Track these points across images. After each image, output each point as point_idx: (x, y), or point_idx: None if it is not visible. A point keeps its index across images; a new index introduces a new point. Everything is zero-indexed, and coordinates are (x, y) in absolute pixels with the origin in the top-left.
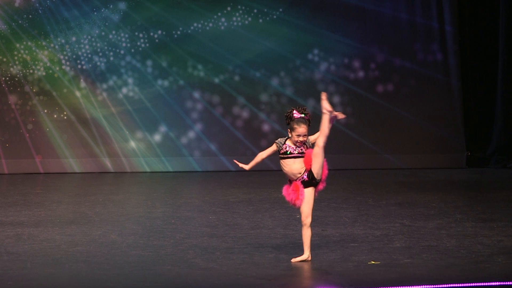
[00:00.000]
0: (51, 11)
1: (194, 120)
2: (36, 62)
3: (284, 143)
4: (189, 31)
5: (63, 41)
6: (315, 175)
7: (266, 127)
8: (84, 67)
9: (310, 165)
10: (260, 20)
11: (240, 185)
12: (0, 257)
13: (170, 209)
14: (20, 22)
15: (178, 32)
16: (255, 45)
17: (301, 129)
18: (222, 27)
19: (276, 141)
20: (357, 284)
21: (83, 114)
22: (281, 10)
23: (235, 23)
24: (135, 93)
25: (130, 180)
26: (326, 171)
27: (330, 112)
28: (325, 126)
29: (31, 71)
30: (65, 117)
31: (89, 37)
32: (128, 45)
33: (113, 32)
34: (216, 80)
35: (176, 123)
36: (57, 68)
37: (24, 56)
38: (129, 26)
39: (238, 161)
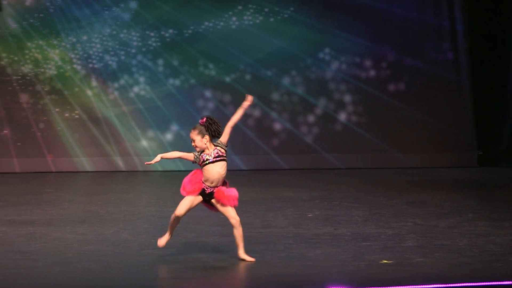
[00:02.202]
0: (62, 10)
1: None
2: (48, 61)
3: (201, 154)
4: (200, 30)
5: (74, 40)
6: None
7: (277, 126)
8: (95, 66)
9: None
10: (271, 19)
11: (252, 184)
12: (13, 256)
13: None
14: (31, 21)
15: (189, 31)
16: (266, 44)
17: (190, 133)
18: (233, 26)
19: (194, 153)
20: (369, 283)
21: (95, 113)
22: (292, 9)
23: (246, 22)
24: (146, 92)
25: (142, 179)
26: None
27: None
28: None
29: (42, 70)
30: (77, 116)
31: (100, 36)
32: (139, 44)
33: (124, 31)
34: (227, 79)
35: (188, 122)
36: (69, 67)
37: (36, 55)
38: (140, 25)
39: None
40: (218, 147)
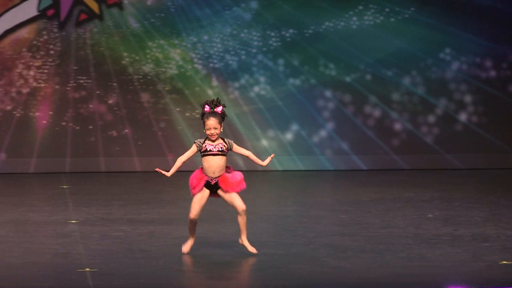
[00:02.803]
0: (183, 10)
1: (325, 119)
2: (168, 61)
3: (204, 142)
4: (320, 30)
5: (195, 39)
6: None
7: (397, 126)
8: (216, 65)
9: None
10: (392, 19)
11: (371, 184)
12: (133, 255)
13: (302, 208)
14: (152, 20)
15: (310, 31)
16: (387, 44)
17: (210, 121)
18: (354, 26)
19: (196, 141)
20: (489, 284)
21: None
22: (412, 9)
23: (366, 22)
24: (267, 91)
25: (262, 179)
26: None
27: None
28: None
29: (163, 69)
30: (197, 116)
31: (221, 35)
32: (260, 43)
33: (245, 30)
34: (348, 79)
35: (308, 122)
36: (189, 67)
37: (157, 54)
38: (261, 25)
39: (160, 169)
40: (224, 144)
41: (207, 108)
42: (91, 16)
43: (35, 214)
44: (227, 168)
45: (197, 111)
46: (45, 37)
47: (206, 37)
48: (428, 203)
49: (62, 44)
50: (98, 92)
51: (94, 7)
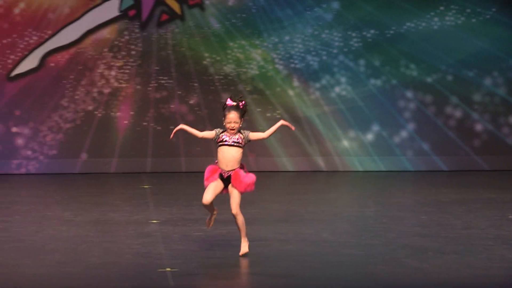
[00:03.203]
0: (265, 10)
1: (406, 119)
2: (249, 61)
3: (222, 132)
4: (401, 31)
5: (276, 40)
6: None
7: (478, 127)
8: (297, 66)
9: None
10: (473, 20)
11: (452, 185)
12: (213, 254)
13: (382, 209)
14: (233, 21)
15: (391, 32)
16: (468, 45)
17: (231, 115)
18: (435, 27)
19: (216, 129)
20: None
21: (296, 113)
22: (494, 10)
23: (448, 23)
24: (347, 92)
25: (342, 179)
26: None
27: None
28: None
29: (244, 70)
30: (278, 116)
31: (302, 36)
32: (341, 44)
33: (326, 31)
34: (429, 80)
35: (389, 122)
36: (270, 67)
37: (238, 55)
38: (342, 25)
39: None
40: (241, 135)
41: (229, 101)
42: (173, 16)
43: (116, 214)
44: (242, 166)
45: (278, 112)
46: (127, 37)
47: (287, 38)
48: (509, 204)
49: (143, 45)
50: (179, 92)
51: (176, 7)
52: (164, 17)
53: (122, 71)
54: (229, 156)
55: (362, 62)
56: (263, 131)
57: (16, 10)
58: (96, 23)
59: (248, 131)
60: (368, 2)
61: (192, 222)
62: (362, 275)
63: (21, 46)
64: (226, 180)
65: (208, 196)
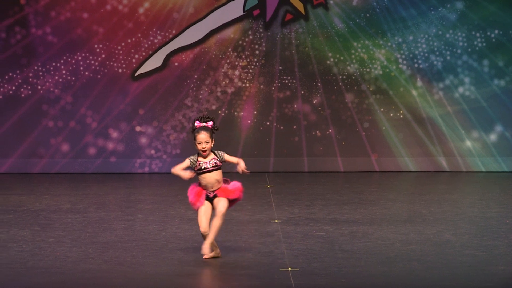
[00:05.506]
0: (388, 10)
1: None
2: (373, 61)
3: (197, 159)
4: None
5: (400, 40)
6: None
7: None
8: (420, 66)
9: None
10: None
11: None
12: (334, 255)
13: (505, 209)
14: (357, 20)
15: None
16: None
17: (201, 135)
18: None
19: (189, 158)
20: None
21: (419, 113)
22: None
23: None
24: (471, 92)
25: (465, 180)
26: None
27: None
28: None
29: (367, 69)
30: (401, 116)
31: (426, 36)
32: (465, 44)
33: (450, 31)
34: None
35: None
36: (394, 67)
37: (361, 54)
38: (466, 26)
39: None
40: (216, 157)
41: (197, 123)
42: (297, 16)
43: (238, 213)
44: (225, 181)
45: (401, 112)
46: (251, 37)
47: (411, 38)
48: None
49: (267, 44)
50: (302, 92)
51: (300, 7)
52: (288, 17)
53: (246, 70)
54: (212, 181)
55: (486, 62)
56: (387, 131)
57: (141, 10)
58: (220, 22)
59: (222, 152)
60: (492, 2)
61: (314, 221)
62: (484, 276)
63: (146, 45)
64: (212, 198)
65: (204, 224)
